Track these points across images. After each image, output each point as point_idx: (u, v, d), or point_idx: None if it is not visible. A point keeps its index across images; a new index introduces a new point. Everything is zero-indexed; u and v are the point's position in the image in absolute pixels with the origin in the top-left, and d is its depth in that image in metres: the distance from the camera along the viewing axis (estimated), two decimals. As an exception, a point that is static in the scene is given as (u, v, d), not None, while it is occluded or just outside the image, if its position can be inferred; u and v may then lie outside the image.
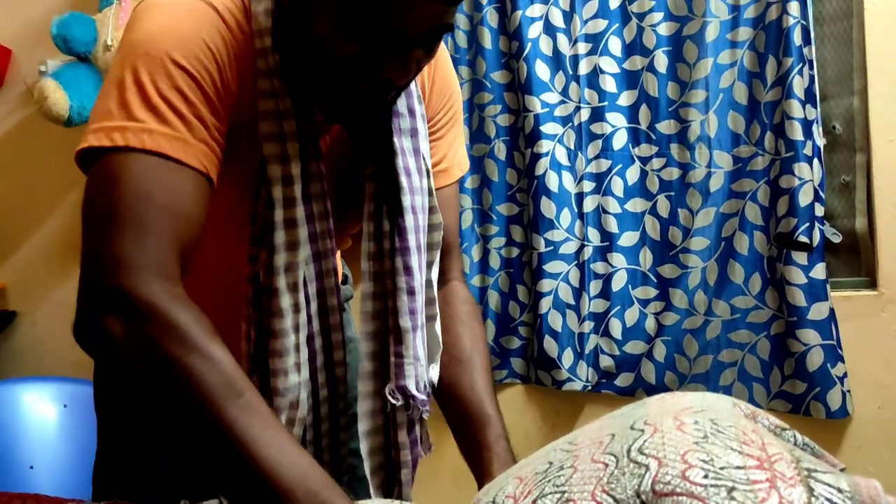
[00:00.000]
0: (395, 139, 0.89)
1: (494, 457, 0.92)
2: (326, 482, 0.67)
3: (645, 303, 1.98)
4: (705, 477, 0.52)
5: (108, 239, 0.70)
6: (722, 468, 0.52)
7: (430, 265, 0.94)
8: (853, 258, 1.97)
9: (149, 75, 0.73)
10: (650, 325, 1.97)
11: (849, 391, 1.82)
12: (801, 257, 1.82)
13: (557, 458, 0.67)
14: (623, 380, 1.99)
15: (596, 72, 1.97)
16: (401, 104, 0.90)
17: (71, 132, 2.07)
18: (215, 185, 0.77)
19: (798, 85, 1.80)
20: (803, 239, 1.81)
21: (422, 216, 0.92)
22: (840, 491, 0.51)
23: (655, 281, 1.97)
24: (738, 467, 0.52)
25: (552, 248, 1.98)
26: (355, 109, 0.82)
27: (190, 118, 0.74)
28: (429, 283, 0.93)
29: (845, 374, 1.82)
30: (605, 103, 1.97)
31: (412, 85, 0.91)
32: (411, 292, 0.89)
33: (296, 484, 0.65)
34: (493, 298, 2.07)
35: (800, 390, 1.83)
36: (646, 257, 1.98)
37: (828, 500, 0.50)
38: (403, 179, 0.89)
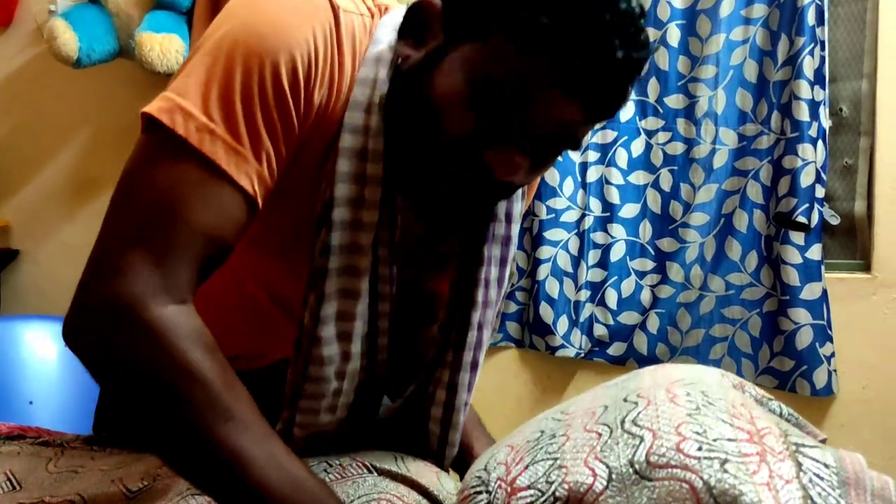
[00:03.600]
0: (485, 248, 0.83)
1: (475, 439, 0.96)
2: (319, 492, 0.65)
3: (641, 274, 2.00)
4: (699, 449, 0.53)
5: (122, 239, 0.65)
6: (715, 440, 0.54)
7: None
8: (849, 241, 1.99)
9: (241, 74, 0.66)
10: (645, 296, 2.00)
11: (835, 370, 1.86)
12: (798, 237, 1.84)
13: (549, 427, 0.68)
14: (615, 349, 2.02)
15: (607, 41, 1.97)
16: (500, 206, 0.84)
17: (80, 73, 2.07)
18: (260, 208, 0.70)
19: (808, 65, 1.80)
20: (802, 219, 1.82)
21: (487, 331, 0.87)
22: (827, 466, 0.53)
23: (653, 253, 1.99)
24: (730, 439, 0.54)
25: (553, 215, 2.00)
26: (451, 198, 0.73)
27: (261, 133, 0.68)
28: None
29: (833, 354, 1.85)
30: (615, 73, 1.96)
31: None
32: (451, 408, 0.86)
33: (287, 499, 0.63)
34: (492, 262, 2.09)
35: (787, 367, 1.87)
36: (645, 230, 2.00)
37: (815, 474, 0.52)
38: (480, 293, 0.84)
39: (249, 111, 0.67)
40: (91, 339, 0.65)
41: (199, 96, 0.66)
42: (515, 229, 0.87)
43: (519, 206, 0.87)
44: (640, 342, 2.00)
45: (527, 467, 0.63)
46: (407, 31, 0.75)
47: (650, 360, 1.98)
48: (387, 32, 0.75)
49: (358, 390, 0.82)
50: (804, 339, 1.84)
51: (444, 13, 0.72)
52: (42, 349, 2.03)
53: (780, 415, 0.68)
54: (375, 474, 0.77)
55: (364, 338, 0.80)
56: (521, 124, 0.68)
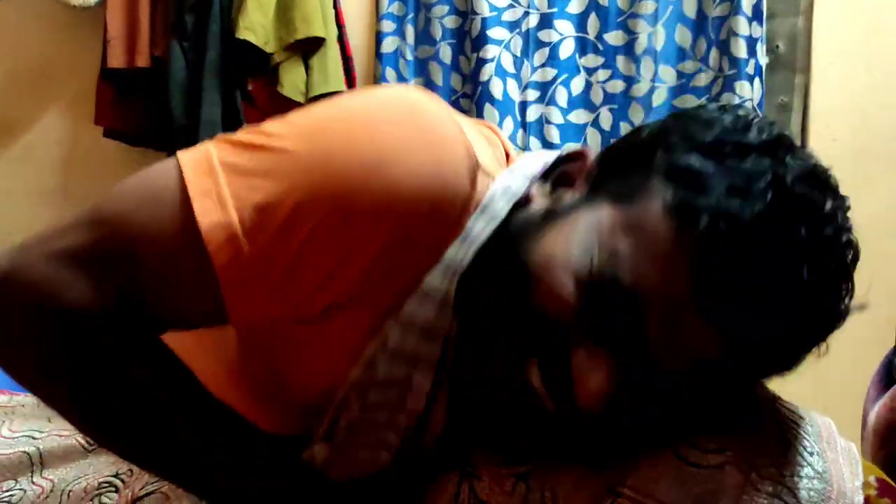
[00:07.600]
0: None
1: None
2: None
3: (591, 71, 2.00)
4: None
5: (78, 252, 0.52)
6: None
7: None
8: (783, 177, 2.02)
9: (314, 222, 0.50)
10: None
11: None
12: (735, 176, 1.86)
13: None
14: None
15: (547, -25, 1.93)
16: None
17: (4, 4, 1.94)
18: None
19: (746, 1, 1.80)
20: (739, 158, 1.84)
21: None
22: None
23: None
24: None
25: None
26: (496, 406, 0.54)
27: (295, 279, 0.51)
28: None
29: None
30: (555, 9, 1.93)
31: None
32: None
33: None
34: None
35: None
36: (585, 169, 1.99)
37: None
38: None
39: (301, 259, 0.51)
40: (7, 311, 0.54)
41: (251, 213, 0.50)
42: None
43: None
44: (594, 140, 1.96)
45: None
46: (548, 175, 0.59)
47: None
48: (515, 180, 0.57)
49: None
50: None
51: (597, 164, 0.56)
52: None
53: None
54: None
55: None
56: (634, 333, 0.48)
